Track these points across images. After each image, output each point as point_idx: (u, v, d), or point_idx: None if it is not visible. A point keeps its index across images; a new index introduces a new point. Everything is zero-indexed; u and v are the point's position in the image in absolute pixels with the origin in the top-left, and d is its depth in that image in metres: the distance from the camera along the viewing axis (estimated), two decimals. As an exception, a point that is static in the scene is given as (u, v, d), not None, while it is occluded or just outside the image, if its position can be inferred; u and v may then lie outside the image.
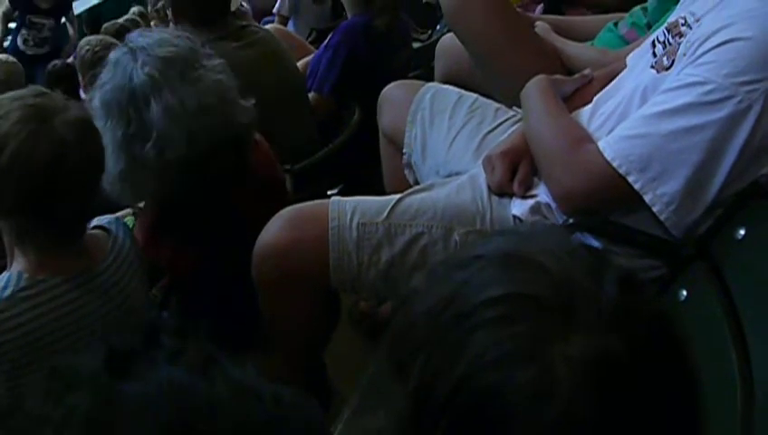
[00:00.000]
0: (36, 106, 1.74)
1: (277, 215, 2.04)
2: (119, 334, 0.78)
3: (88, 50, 4.46)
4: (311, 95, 3.47)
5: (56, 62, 6.18)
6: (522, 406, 0.77)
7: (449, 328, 0.82)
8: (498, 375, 0.78)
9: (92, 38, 5.06)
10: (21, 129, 1.70)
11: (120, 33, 5.26)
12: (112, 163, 2.03)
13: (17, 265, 1.82)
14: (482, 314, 0.81)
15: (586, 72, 2.19)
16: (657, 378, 0.81)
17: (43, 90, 1.86)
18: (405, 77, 3.17)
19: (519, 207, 1.95)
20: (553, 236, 0.90)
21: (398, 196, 2.03)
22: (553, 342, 0.78)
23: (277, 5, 6.78)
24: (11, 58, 5.81)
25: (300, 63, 3.62)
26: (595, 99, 2.03)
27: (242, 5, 7.09)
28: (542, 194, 1.93)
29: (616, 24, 2.64)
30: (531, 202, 1.93)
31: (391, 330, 0.90)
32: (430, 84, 2.56)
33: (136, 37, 2.12)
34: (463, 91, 2.45)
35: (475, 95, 2.43)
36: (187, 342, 0.77)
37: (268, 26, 4.39)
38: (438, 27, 5.27)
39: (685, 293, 1.67)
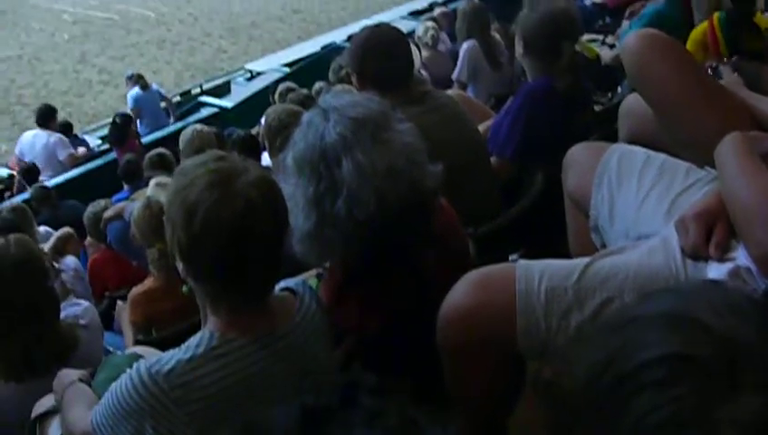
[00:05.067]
0: (219, 171, 1.80)
1: (463, 278, 2.02)
2: (315, 392, 0.77)
3: (274, 118, 4.64)
4: (492, 159, 3.46)
5: (239, 132, 6.43)
6: None
7: (607, 393, 0.78)
8: None
9: (278, 107, 5.27)
10: (209, 195, 1.75)
11: (304, 103, 5.45)
12: (302, 220, 2.08)
13: (210, 325, 1.87)
14: (641, 377, 0.77)
15: (784, 127, 2.09)
16: None
17: (222, 153, 1.92)
18: (586, 140, 3.12)
19: (716, 271, 1.86)
20: (713, 292, 0.84)
21: (587, 259, 1.98)
22: (718, 404, 0.72)
23: (456, 72, 6.88)
24: (205, 128, 6.06)
25: (480, 127, 3.62)
26: (797, 154, 1.93)
27: (420, 72, 7.22)
28: (740, 257, 1.84)
29: (815, 79, 2.52)
30: (729, 266, 1.84)
31: (549, 399, 0.86)
32: (616, 145, 2.50)
33: (328, 99, 2.18)
34: (651, 152, 2.38)
35: (664, 155, 2.35)
36: (386, 403, 0.75)
37: (449, 91, 4.43)
38: (620, 90, 5.20)
39: None
